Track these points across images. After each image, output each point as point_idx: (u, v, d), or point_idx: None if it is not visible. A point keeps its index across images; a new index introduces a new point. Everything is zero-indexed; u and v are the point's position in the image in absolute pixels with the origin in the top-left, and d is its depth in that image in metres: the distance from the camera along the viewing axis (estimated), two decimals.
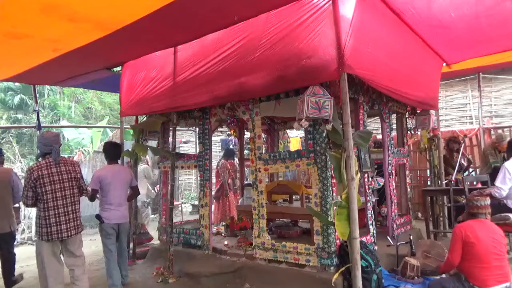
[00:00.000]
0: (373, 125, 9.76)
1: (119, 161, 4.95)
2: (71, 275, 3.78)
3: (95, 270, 5.37)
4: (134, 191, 4.73)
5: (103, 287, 4.49)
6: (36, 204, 3.59)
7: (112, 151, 4.63)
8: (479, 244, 2.98)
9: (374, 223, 4.43)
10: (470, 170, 7.18)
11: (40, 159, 3.70)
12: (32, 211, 8.15)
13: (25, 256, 6.51)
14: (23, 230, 8.04)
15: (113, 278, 4.21)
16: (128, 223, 4.68)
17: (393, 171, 5.12)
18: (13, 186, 4.61)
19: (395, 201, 5.06)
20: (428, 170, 7.31)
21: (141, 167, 7.06)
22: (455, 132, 8.08)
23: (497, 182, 4.45)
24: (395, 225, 4.93)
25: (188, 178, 13.49)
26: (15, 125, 15.66)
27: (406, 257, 3.92)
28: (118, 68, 5.63)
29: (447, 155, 6.33)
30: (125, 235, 4.60)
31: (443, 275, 3.55)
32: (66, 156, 12.50)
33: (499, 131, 7.60)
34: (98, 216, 4.32)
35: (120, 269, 4.40)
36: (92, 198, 4.32)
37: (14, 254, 4.78)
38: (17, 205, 5.14)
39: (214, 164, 5.96)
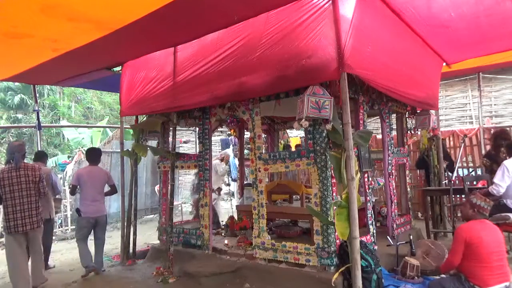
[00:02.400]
0: (373, 125, 9.77)
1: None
2: (31, 263, 4.47)
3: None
4: (112, 189, 5.38)
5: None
6: (1, 202, 4.30)
7: (91, 155, 5.35)
8: (481, 245, 2.98)
9: (374, 223, 4.43)
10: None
11: (7, 164, 4.41)
12: None
13: None
14: None
15: (85, 259, 4.96)
16: (105, 218, 5.19)
17: (393, 171, 5.12)
18: (52, 182, 5.45)
19: (395, 201, 5.06)
20: None
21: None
22: (461, 130, 8.06)
23: (496, 179, 4.46)
24: (395, 225, 4.93)
25: (188, 178, 13.49)
26: (15, 125, 15.67)
27: (406, 257, 3.92)
28: (118, 68, 5.63)
29: (492, 151, 5.47)
30: (102, 227, 5.17)
31: (443, 275, 3.56)
32: (66, 155, 12.62)
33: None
34: (77, 210, 5.06)
35: (96, 257, 5.09)
36: (71, 192, 5.25)
37: (51, 242, 5.56)
38: (58, 196, 6.01)
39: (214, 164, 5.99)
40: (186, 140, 12.47)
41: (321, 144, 3.79)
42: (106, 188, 5.35)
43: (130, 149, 5.74)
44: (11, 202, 4.20)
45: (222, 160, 7.73)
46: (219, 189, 7.19)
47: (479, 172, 7.27)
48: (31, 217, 4.26)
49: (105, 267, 5.33)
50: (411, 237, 4.08)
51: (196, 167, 5.13)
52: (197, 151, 5.33)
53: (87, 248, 5.01)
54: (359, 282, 3.17)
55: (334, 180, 3.74)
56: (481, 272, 2.99)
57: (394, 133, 5.38)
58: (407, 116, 5.89)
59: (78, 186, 5.07)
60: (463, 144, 5.89)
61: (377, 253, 3.90)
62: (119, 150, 6.52)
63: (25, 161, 4.54)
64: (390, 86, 4.01)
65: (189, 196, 12.79)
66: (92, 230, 5.11)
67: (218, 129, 8.35)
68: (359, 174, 3.51)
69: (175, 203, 6.26)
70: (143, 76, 5.24)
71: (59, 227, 8.55)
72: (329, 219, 3.61)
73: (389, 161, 4.99)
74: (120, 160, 6.08)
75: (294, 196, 5.89)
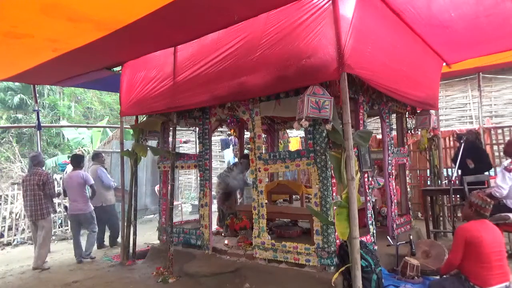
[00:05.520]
0: (373, 125, 9.77)
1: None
2: (36, 248, 5.75)
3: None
4: (92, 189, 6.26)
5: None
6: None
7: (71, 161, 6.39)
8: (482, 245, 2.98)
9: (374, 223, 4.43)
10: None
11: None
12: None
13: (25, 256, 6.52)
14: (23, 230, 8.04)
15: (75, 251, 5.90)
16: (87, 215, 6.02)
17: (393, 171, 5.11)
18: (99, 176, 6.74)
19: (395, 201, 5.06)
20: (428, 170, 7.31)
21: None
22: (461, 130, 8.02)
23: (498, 182, 4.45)
24: (395, 225, 4.93)
25: (188, 178, 13.50)
26: (15, 125, 15.65)
27: (406, 257, 3.92)
28: (118, 68, 5.63)
29: None
30: (87, 223, 6.04)
31: (443, 275, 3.55)
32: (66, 155, 12.74)
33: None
34: (65, 207, 6.34)
35: (87, 244, 6.01)
36: (64, 194, 6.53)
37: (117, 223, 6.77)
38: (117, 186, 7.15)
39: (214, 164, 5.96)
40: (186, 140, 12.47)
41: (321, 144, 3.79)
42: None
43: (130, 149, 5.74)
44: (25, 198, 5.73)
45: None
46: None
47: None
48: (36, 210, 5.65)
49: (105, 267, 5.38)
50: (411, 237, 4.08)
51: (196, 167, 5.13)
52: (197, 151, 5.32)
53: (78, 241, 5.93)
54: (359, 282, 3.17)
55: (334, 180, 3.74)
56: (481, 272, 2.98)
57: (394, 133, 5.38)
58: (407, 116, 5.89)
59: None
60: (463, 144, 5.87)
61: (377, 253, 3.90)
62: (119, 150, 6.52)
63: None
64: (390, 86, 4.01)
65: (188, 196, 12.83)
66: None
67: (218, 129, 8.35)
68: (359, 174, 3.51)
69: (175, 203, 6.27)
70: (143, 76, 5.24)
71: (58, 227, 8.55)
72: (329, 219, 3.61)
73: (389, 161, 4.99)
74: (120, 160, 6.08)
75: (294, 196, 5.90)
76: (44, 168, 6.33)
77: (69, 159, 6.55)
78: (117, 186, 7.01)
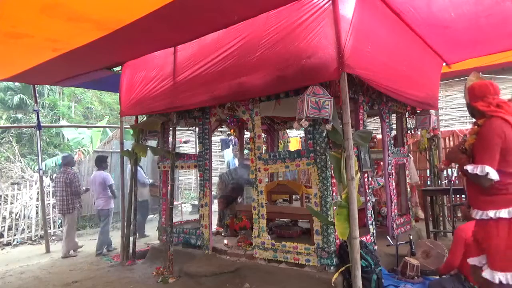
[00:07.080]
0: (373, 125, 9.76)
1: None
2: (64, 237, 6.49)
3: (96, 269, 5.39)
4: (110, 189, 6.67)
5: None
6: None
7: (95, 161, 7.04)
8: None
9: (374, 223, 4.43)
10: None
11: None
12: (32, 211, 8.23)
13: (25, 256, 6.53)
14: (23, 229, 8.04)
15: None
16: (105, 211, 6.56)
17: (393, 171, 5.11)
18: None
19: (395, 201, 5.06)
20: (428, 170, 7.30)
21: None
22: (461, 130, 8.01)
23: None
24: (395, 225, 4.93)
25: (188, 178, 13.49)
26: (15, 125, 15.64)
27: (406, 257, 3.92)
28: (118, 68, 5.63)
29: None
30: (102, 218, 6.59)
31: (443, 275, 3.56)
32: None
33: None
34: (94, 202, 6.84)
35: (96, 245, 6.48)
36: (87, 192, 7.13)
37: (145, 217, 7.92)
38: (156, 183, 7.55)
39: (214, 164, 5.96)
40: (186, 140, 12.47)
41: (321, 144, 3.79)
42: None
43: (130, 149, 5.74)
44: (56, 194, 6.55)
45: None
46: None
47: None
48: (63, 205, 6.37)
49: (105, 267, 5.39)
50: (411, 237, 4.08)
51: (196, 167, 5.13)
52: (197, 151, 5.33)
53: (99, 235, 6.50)
54: (359, 282, 3.17)
55: (334, 180, 3.74)
56: None
57: (394, 133, 5.37)
58: (407, 116, 5.89)
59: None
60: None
61: (377, 253, 3.90)
62: (119, 150, 6.53)
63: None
64: (390, 86, 4.01)
65: (188, 196, 12.83)
66: None
67: (218, 129, 8.35)
68: (359, 174, 3.51)
69: (175, 203, 6.27)
70: (143, 76, 5.24)
71: (59, 227, 8.55)
72: (329, 219, 3.61)
73: (389, 161, 4.99)
74: (120, 160, 6.09)
75: (294, 196, 5.90)
76: (73, 168, 7.18)
77: (94, 160, 7.24)
78: (152, 183, 7.89)
